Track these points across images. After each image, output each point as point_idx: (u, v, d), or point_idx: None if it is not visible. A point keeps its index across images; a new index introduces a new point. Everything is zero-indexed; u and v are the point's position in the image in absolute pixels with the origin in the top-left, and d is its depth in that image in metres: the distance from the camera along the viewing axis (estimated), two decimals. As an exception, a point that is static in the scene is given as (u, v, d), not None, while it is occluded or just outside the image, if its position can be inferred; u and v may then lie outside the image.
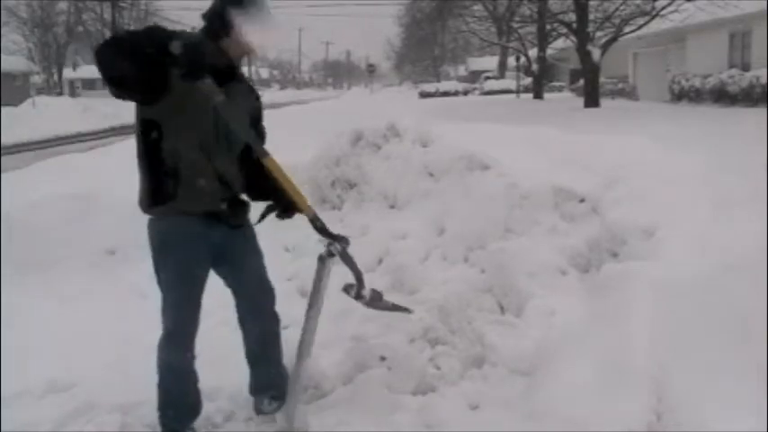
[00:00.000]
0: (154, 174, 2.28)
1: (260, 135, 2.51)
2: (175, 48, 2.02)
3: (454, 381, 2.79)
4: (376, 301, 2.63)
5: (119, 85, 2.10)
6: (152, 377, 2.44)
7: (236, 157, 2.41)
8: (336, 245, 2.40)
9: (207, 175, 2.30)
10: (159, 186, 2.28)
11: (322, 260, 2.44)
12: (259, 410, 2.66)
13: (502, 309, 3.29)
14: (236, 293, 2.59)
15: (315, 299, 2.46)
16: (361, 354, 3.00)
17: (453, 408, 2.56)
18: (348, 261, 2.46)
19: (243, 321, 2.63)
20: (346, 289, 2.58)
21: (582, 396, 2.04)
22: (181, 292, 2.37)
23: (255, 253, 2.57)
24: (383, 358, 2.88)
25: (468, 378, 2.79)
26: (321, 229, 2.38)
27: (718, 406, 1.84)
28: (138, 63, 2.02)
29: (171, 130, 2.24)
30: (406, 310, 2.76)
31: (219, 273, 2.52)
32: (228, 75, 2.31)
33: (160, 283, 2.40)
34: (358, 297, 2.56)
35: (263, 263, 2.60)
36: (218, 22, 2.25)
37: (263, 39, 2.29)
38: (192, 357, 2.46)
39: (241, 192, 2.49)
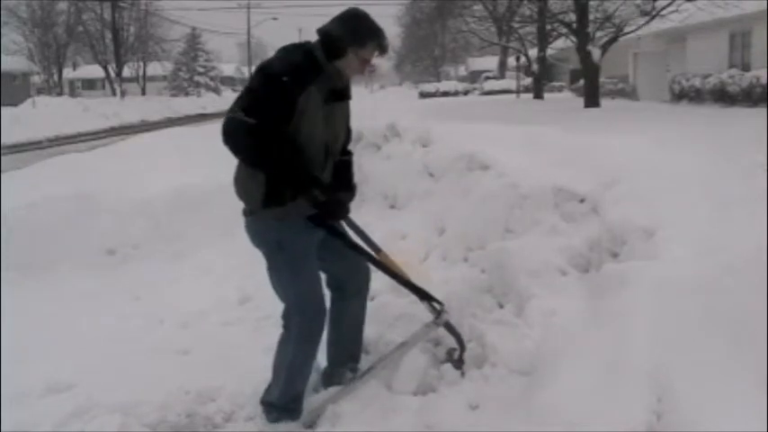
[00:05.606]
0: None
1: (348, 134, 2.80)
2: None
3: (454, 381, 2.79)
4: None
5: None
6: (152, 377, 2.43)
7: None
8: (444, 316, 2.81)
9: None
10: (279, 190, 2.43)
11: (428, 326, 2.84)
12: (340, 380, 2.82)
13: (502, 309, 3.29)
14: (335, 274, 2.76)
15: (408, 346, 2.82)
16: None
17: (453, 408, 2.56)
18: (452, 330, 2.86)
19: (346, 296, 2.82)
20: (449, 353, 2.91)
21: (582, 396, 2.04)
22: (307, 287, 2.57)
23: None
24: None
25: (468, 378, 2.79)
26: (428, 297, 2.81)
27: (719, 406, 1.84)
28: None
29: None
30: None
31: (319, 257, 2.69)
32: (343, 92, 2.59)
33: (280, 280, 2.56)
34: (458, 361, 2.85)
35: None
36: (335, 49, 2.49)
37: (367, 65, 2.56)
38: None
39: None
